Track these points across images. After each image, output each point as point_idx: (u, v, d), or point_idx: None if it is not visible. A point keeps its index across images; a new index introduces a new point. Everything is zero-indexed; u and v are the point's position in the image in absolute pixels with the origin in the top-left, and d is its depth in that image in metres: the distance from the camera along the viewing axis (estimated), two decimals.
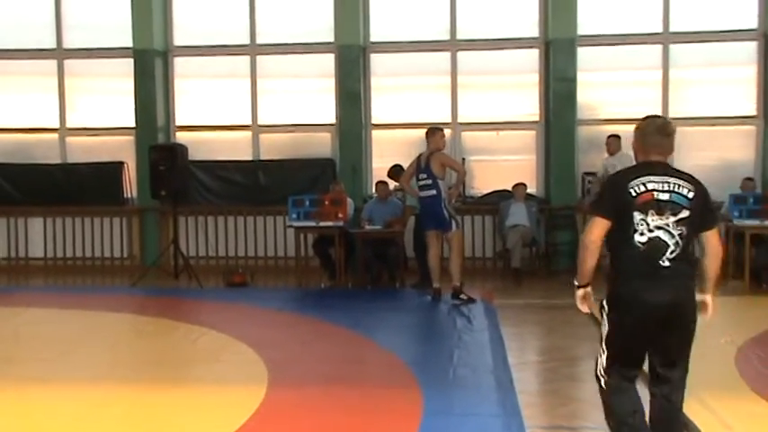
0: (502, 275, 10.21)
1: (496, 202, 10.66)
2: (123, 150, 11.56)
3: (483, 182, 11.20)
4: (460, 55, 11.19)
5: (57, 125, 11.77)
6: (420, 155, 8.56)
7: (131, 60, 11.29)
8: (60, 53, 11.67)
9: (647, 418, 3.78)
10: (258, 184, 11.31)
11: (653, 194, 3.63)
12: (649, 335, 3.67)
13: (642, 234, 3.63)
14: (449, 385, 5.53)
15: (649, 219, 3.63)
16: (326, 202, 9.57)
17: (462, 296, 8.28)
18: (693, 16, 10.84)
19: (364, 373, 5.91)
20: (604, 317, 3.82)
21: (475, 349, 6.60)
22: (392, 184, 10.09)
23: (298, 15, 11.44)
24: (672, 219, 3.62)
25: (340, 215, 9.49)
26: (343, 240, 9.56)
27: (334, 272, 9.77)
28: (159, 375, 5.89)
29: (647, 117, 4.01)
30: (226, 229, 11.34)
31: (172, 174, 10.17)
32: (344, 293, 9.41)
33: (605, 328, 3.82)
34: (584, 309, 3.98)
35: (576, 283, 3.94)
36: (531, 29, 11.10)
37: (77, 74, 11.75)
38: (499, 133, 11.27)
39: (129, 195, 11.51)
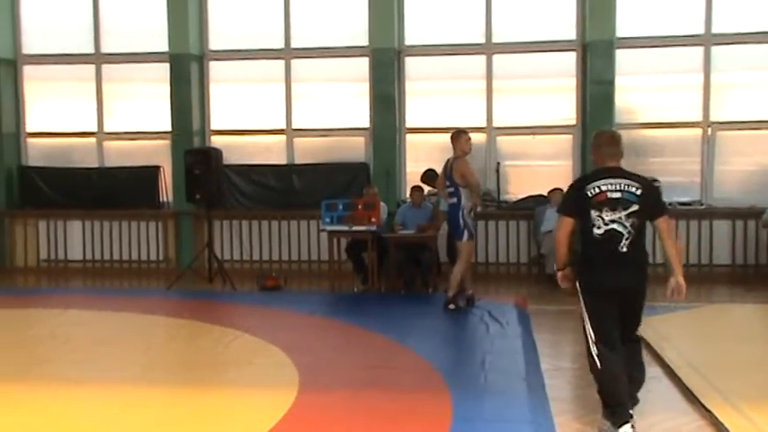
0: (536, 281, 10.10)
1: (532, 207, 10.54)
2: (159, 154, 11.67)
3: (518, 187, 11.08)
4: (496, 58, 11.09)
5: (95, 129, 11.93)
6: (448, 159, 8.43)
7: (167, 65, 11.40)
8: (98, 58, 11.83)
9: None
10: (292, 188, 11.34)
11: (606, 194, 4.59)
12: (614, 309, 4.64)
13: (599, 227, 4.60)
14: (480, 391, 5.47)
15: (604, 214, 4.59)
16: (360, 207, 9.55)
17: (451, 305, 8.16)
18: (736, 18, 10.60)
19: (395, 378, 5.87)
20: (580, 298, 4.74)
21: (507, 355, 6.53)
22: (426, 189, 10.04)
23: (332, 19, 11.44)
24: (623, 213, 4.58)
25: (373, 219, 9.46)
26: (376, 245, 9.53)
27: (366, 276, 9.74)
28: (192, 378, 5.93)
29: (599, 131, 5.06)
30: (260, 233, 11.38)
31: (207, 178, 10.24)
32: (377, 298, 9.37)
33: (583, 308, 4.74)
34: (565, 285, 4.89)
35: (555, 268, 4.96)
36: (569, 31, 10.96)
37: (115, 79, 11.89)
38: (535, 137, 11.15)
39: (165, 199, 11.62)
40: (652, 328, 7.17)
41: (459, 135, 8.31)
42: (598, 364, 4.61)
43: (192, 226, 11.43)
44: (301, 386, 5.48)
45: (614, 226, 4.59)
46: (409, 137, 11.33)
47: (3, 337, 7.58)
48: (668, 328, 7.18)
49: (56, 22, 11.96)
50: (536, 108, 11.17)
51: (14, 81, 11.96)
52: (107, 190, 11.60)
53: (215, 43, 11.67)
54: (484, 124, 11.09)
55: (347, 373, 5.97)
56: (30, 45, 12.00)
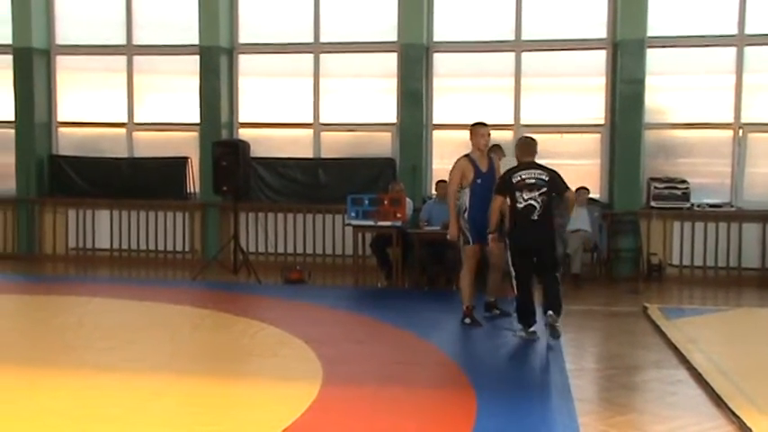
0: (562, 281, 9.98)
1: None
2: (187, 146, 11.76)
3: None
4: (525, 56, 11.03)
5: (125, 120, 12.05)
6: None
7: (197, 57, 11.47)
8: (130, 49, 11.94)
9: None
10: (318, 182, 11.37)
11: (524, 180, 6.85)
12: (529, 254, 6.91)
13: (520, 203, 6.83)
14: (503, 389, 5.46)
15: (524, 194, 6.81)
16: (385, 202, 9.55)
17: (467, 319, 7.45)
18: None
19: (418, 374, 5.87)
20: (509, 247, 7.02)
21: (531, 354, 6.52)
22: None
23: (361, 14, 11.46)
24: (536, 193, 6.82)
25: (399, 215, 9.46)
26: (401, 240, 9.53)
27: (390, 272, 9.74)
28: (216, 368, 5.98)
29: (521, 137, 7.65)
30: (285, 226, 11.43)
31: (234, 170, 10.29)
32: (400, 294, 9.37)
33: (509, 254, 7.03)
34: (493, 245, 7.26)
35: (488, 231, 7.14)
36: (599, 29, 10.87)
37: (145, 70, 12.00)
38: (562, 136, 11.08)
39: (192, 190, 11.70)
40: (679, 330, 7.12)
41: (474, 129, 7.59)
42: (515, 290, 6.96)
43: (219, 218, 11.51)
44: (325, 379, 5.50)
45: (531, 202, 6.80)
46: (436, 133, 11.32)
47: (32, 324, 7.71)
48: (695, 331, 7.10)
49: (89, 14, 12.09)
50: (565, 106, 11.10)
51: (47, 71, 12.10)
52: (135, 180, 11.71)
53: (245, 36, 11.73)
54: (511, 122, 11.04)
55: (370, 367, 5.98)
56: (63, 35, 12.14)
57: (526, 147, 7.12)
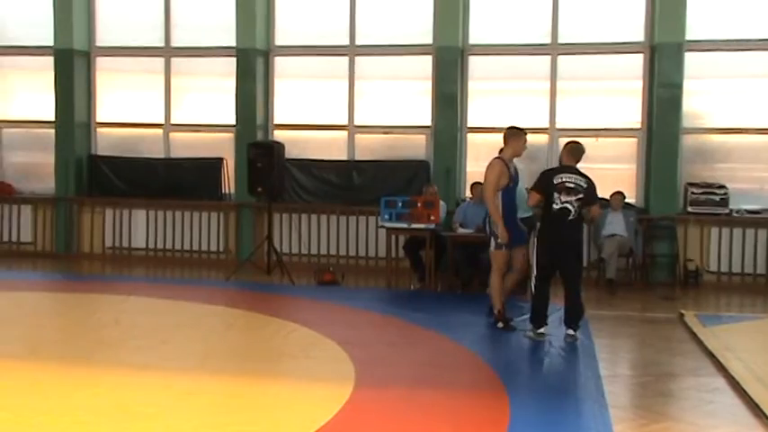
0: (596, 285, 9.94)
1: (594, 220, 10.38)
2: (223, 147, 11.87)
3: None
4: (561, 59, 10.96)
5: (162, 121, 12.20)
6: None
7: (234, 59, 11.58)
8: (168, 51, 12.09)
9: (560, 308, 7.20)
10: (352, 183, 11.40)
11: (564, 183, 6.94)
12: (556, 256, 7.01)
13: (557, 204, 6.93)
14: (537, 394, 5.44)
15: (562, 196, 6.91)
16: (419, 204, 9.55)
17: (499, 324, 7.36)
18: None
19: (451, 377, 5.85)
20: (535, 246, 7.18)
21: (565, 359, 6.47)
22: None
23: (397, 17, 11.47)
24: (573, 197, 6.92)
25: (432, 218, 9.45)
26: (435, 243, 9.52)
27: (423, 274, 9.73)
28: (249, 368, 6.02)
29: (569, 142, 7.45)
30: (318, 228, 11.47)
31: (269, 171, 10.36)
32: (434, 296, 9.36)
33: (535, 254, 7.16)
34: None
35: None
36: (637, 33, 10.76)
37: (183, 72, 12.14)
38: (598, 140, 10.98)
39: (227, 191, 11.80)
40: (716, 337, 7.02)
41: (517, 134, 7.47)
42: (533, 289, 7.12)
43: (253, 218, 11.60)
44: (357, 381, 5.51)
45: (566, 205, 6.92)
46: (470, 136, 11.28)
47: (69, 321, 7.84)
48: (733, 339, 6.99)
49: (128, 16, 12.26)
50: (601, 110, 11.00)
51: (87, 72, 12.30)
52: (172, 180, 11.85)
53: (281, 39, 11.80)
54: (546, 125, 10.97)
55: (403, 369, 5.98)
56: (103, 37, 12.33)
57: (575, 151, 7.19)
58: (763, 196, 10.52)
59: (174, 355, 6.30)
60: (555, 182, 6.96)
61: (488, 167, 7.37)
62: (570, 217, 6.92)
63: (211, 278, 10.61)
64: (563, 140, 10.80)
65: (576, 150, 7.19)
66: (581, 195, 6.91)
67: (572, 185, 6.92)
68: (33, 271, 11.11)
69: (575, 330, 6.97)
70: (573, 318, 7.01)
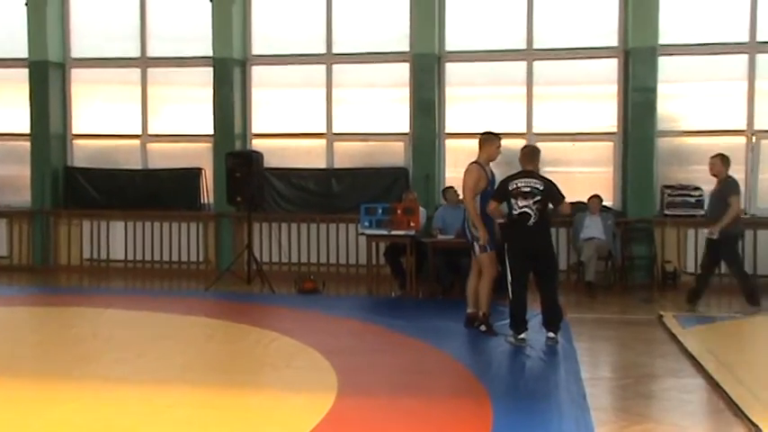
0: (575, 289, 10.01)
1: (572, 213, 10.44)
2: (201, 157, 11.83)
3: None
4: (537, 64, 11.04)
5: (139, 132, 12.13)
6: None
7: (211, 69, 11.55)
8: (144, 62, 12.04)
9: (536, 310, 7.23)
10: (331, 191, 11.40)
11: (519, 188, 7.00)
12: (526, 260, 7.05)
13: (515, 210, 7.01)
14: (519, 398, 5.45)
15: (519, 202, 6.98)
16: (399, 211, 9.57)
17: (482, 327, 7.39)
18: None
19: (433, 383, 5.86)
20: (506, 253, 7.12)
21: (546, 363, 6.49)
22: None
23: (373, 25, 11.50)
24: (531, 201, 6.95)
25: (412, 224, 9.46)
26: (415, 249, 9.53)
27: (404, 281, 9.74)
28: (230, 379, 5.98)
29: (525, 146, 7.80)
30: (299, 236, 11.45)
31: (247, 180, 10.34)
32: (415, 303, 9.37)
33: (507, 260, 7.10)
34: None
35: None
36: (610, 38, 10.87)
37: (160, 82, 12.10)
38: (575, 144, 11.07)
39: (206, 201, 11.76)
40: (695, 338, 7.08)
41: (491, 139, 7.55)
42: (510, 294, 7.05)
43: (232, 228, 11.55)
44: (340, 390, 5.49)
45: (526, 209, 6.97)
46: (449, 142, 11.33)
47: (46, 335, 7.74)
48: (711, 339, 7.07)
49: (103, 27, 12.21)
50: (577, 115, 11.09)
51: (62, 84, 12.21)
52: (149, 191, 11.78)
53: (258, 48, 11.80)
54: (524, 130, 11.04)
55: (386, 377, 5.98)
56: (78, 49, 12.26)
57: (529, 155, 7.28)
58: None
59: (153, 368, 6.24)
60: (510, 188, 7.05)
61: (466, 172, 7.45)
62: (531, 221, 6.96)
63: (191, 289, 10.54)
64: (540, 145, 10.92)
65: (530, 154, 7.27)
66: (538, 198, 6.94)
67: (527, 189, 6.96)
68: (9, 285, 10.96)
69: (555, 333, 7.01)
70: (551, 320, 7.05)
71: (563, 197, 7.17)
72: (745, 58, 10.53)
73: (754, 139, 10.56)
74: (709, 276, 8.85)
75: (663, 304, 9.05)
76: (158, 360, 6.54)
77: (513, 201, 7.02)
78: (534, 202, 6.94)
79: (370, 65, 11.52)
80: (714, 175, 8.67)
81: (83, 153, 12.37)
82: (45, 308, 9.32)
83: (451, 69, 11.31)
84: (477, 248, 7.40)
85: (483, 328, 7.41)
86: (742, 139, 10.61)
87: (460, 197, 9.37)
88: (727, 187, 8.51)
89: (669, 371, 6.25)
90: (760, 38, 10.45)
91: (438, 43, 11.14)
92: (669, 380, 6.02)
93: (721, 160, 8.63)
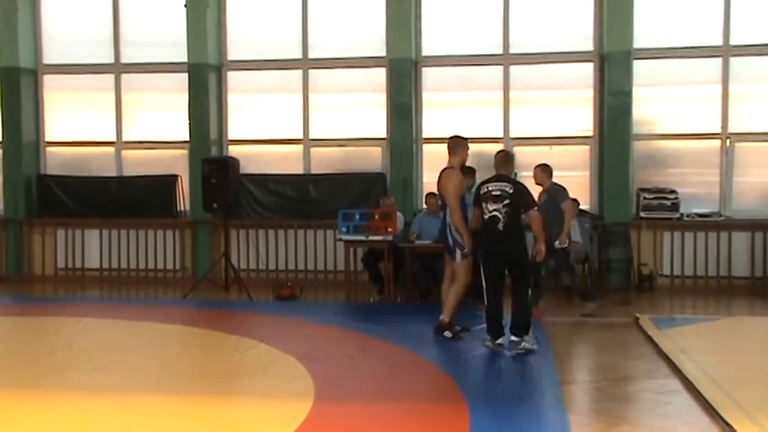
0: (552, 293, 10.01)
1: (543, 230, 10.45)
2: (177, 164, 11.73)
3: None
4: (513, 69, 11.08)
5: (113, 138, 12.02)
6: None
7: (186, 75, 11.47)
8: (118, 68, 11.93)
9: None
10: (309, 197, 11.36)
11: (490, 192, 7.03)
12: (498, 264, 7.05)
13: (486, 213, 7.02)
14: (496, 402, 5.44)
15: (489, 205, 6.98)
16: (376, 217, 9.54)
17: (447, 333, 7.39)
18: (754, 29, 10.54)
19: (411, 388, 5.84)
20: (479, 257, 7.14)
21: (523, 366, 6.50)
22: None
23: (350, 29, 11.48)
24: (500, 204, 6.94)
25: (390, 229, 9.44)
26: (393, 255, 9.51)
27: (382, 287, 9.72)
28: (207, 387, 5.93)
29: (500, 150, 7.76)
30: (276, 243, 11.40)
31: (224, 187, 10.28)
32: (393, 308, 9.35)
33: (480, 264, 7.10)
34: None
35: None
36: (586, 42, 10.93)
37: (134, 88, 11.99)
38: (552, 148, 11.11)
39: (183, 208, 11.66)
40: (670, 339, 7.12)
41: (463, 143, 7.62)
42: (485, 299, 7.05)
43: (209, 235, 11.47)
44: (317, 396, 5.47)
45: (495, 213, 6.96)
46: (426, 147, 11.32)
47: (20, 346, 7.64)
48: (687, 341, 7.10)
49: (76, 33, 12.07)
50: (553, 119, 11.13)
51: (35, 90, 12.08)
52: (125, 199, 11.67)
53: (233, 53, 11.74)
54: (501, 134, 11.07)
55: (363, 383, 5.96)
56: (50, 55, 12.13)
57: (501, 160, 7.31)
58: (712, 200, 10.73)
59: (129, 377, 6.17)
60: (482, 192, 7.11)
61: (447, 177, 7.39)
62: (500, 225, 6.94)
63: (168, 297, 10.45)
64: (518, 149, 11.01)
65: (502, 159, 7.30)
66: (507, 201, 6.92)
67: (498, 193, 6.97)
68: None
69: (518, 337, 6.85)
70: (516, 324, 6.91)
71: (534, 204, 7.23)
72: (719, 61, 10.63)
73: (728, 142, 10.65)
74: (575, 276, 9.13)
75: (639, 306, 9.10)
76: (134, 369, 6.46)
77: (484, 204, 7.04)
78: (504, 206, 6.92)
79: (347, 70, 11.49)
80: (538, 184, 8.76)
81: (56, 161, 12.23)
82: (18, 318, 9.18)
83: (428, 74, 11.32)
84: (458, 255, 7.34)
85: (448, 334, 7.39)
86: (716, 142, 10.70)
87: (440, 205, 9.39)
88: (556, 195, 8.66)
89: (645, 372, 6.27)
90: (733, 41, 10.56)
91: (414, 48, 11.15)
92: (645, 381, 6.04)
93: (542, 170, 8.78)
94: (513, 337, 6.91)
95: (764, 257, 10.30)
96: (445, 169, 7.48)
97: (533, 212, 7.16)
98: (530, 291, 7.13)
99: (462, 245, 7.29)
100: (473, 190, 7.75)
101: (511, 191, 6.97)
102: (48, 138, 12.22)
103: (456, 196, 7.32)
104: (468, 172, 8.62)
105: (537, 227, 7.25)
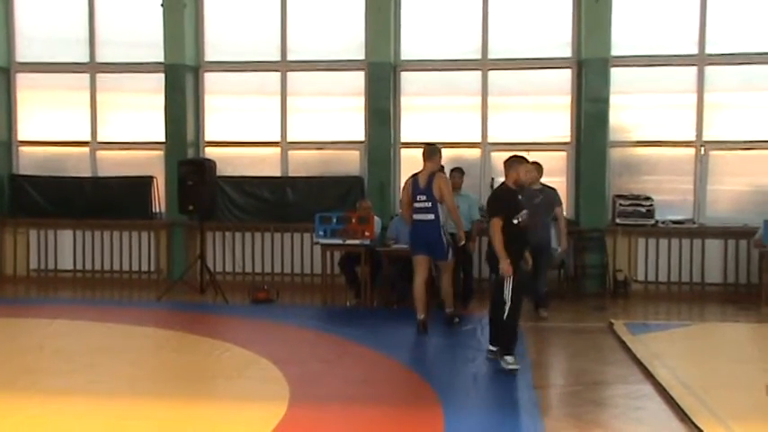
0: (529, 298, 10.04)
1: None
2: (153, 165, 11.64)
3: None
4: (491, 74, 11.13)
5: (88, 139, 11.89)
6: (416, 175, 8.08)
7: (162, 75, 11.38)
8: (93, 67, 11.81)
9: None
10: (286, 200, 11.31)
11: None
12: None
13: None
14: (471, 407, 5.45)
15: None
16: (354, 220, 9.53)
17: (456, 319, 8.31)
18: (729, 38, 10.67)
19: (386, 392, 5.84)
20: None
21: (499, 371, 6.49)
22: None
23: (329, 33, 11.47)
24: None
25: (367, 233, 9.43)
26: (370, 259, 9.50)
27: (359, 290, 9.71)
28: (181, 390, 5.88)
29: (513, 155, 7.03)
30: (252, 246, 11.34)
31: (200, 189, 10.20)
32: (369, 312, 9.33)
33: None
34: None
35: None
36: (564, 49, 11.00)
37: (109, 88, 11.86)
38: (529, 154, 11.11)
39: (158, 210, 11.57)
40: (644, 345, 7.17)
41: (436, 151, 8.10)
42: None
43: (185, 237, 11.38)
44: (292, 400, 5.45)
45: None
46: (404, 151, 11.32)
47: None
48: (660, 346, 7.16)
49: (51, 31, 11.94)
50: (531, 124, 11.18)
51: (7, 89, 11.92)
52: (99, 200, 11.55)
53: (211, 54, 11.67)
54: (479, 140, 11.11)
55: (338, 387, 5.93)
56: (23, 53, 11.98)
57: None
58: (686, 207, 10.84)
59: (102, 380, 6.10)
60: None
61: (444, 181, 7.95)
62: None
63: (142, 299, 10.35)
64: (495, 155, 11.07)
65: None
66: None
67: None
68: None
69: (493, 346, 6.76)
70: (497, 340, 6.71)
71: (499, 213, 6.57)
72: (694, 70, 10.75)
73: (702, 150, 10.77)
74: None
75: (614, 312, 9.17)
76: (108, 371, 6.40)
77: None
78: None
79: (326, 73, 11.47)
80: (529, 184, 8.91)
81: (29, 160, 12.08)
82: None
83: (407, 78, 11.33)
84: (450, 253, 7.97)
85: (457, 320, 8.26)
86: (691, 150, 10.81)
87: None
88: (551, 197, 9.13)
89: (619, 377, 6.31)
90: (709, 50, 10.68)
91: (393, 52, 11.16)
92: (619, 386, 6.08)
93: (536, 168, 8.98)
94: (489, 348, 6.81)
95: (737, 264, 10.42)
96: (436, 173, 7.97)
97: (495, 221, 6.53)
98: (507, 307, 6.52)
99: (452, 247, 7.98)
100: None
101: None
102: (21, 137, 12.07)
103: (450, 198, 7.93)
104: (457, 172, 9.39)
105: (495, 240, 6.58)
